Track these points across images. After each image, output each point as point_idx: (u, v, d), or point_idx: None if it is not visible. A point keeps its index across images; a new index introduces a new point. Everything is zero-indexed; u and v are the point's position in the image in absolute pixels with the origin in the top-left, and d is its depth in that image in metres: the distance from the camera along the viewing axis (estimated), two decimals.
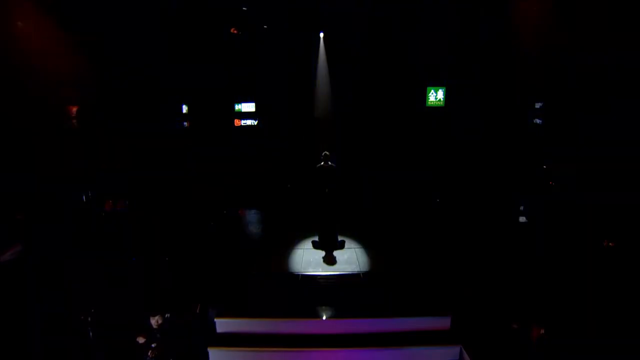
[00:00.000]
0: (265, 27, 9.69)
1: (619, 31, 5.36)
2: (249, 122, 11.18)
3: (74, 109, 7.04)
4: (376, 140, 10.83)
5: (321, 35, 9.77)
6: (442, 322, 4.33)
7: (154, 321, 3.49)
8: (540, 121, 7.05)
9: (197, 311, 4.12)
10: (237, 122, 11.20)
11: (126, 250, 5.68)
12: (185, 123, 11.31)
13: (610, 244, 4.69)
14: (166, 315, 3.69)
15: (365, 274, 5.38)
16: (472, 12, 8.18)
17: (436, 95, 9.75)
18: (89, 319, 3.60)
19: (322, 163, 6.88)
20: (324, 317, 4.44)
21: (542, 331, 3.46)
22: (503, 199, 7.30)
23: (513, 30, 7.23)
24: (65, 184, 6.49)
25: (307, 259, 5.89)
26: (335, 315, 4.47)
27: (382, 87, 10.51)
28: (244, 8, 9.00)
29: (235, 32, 9.98)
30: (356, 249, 6.32)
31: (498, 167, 7.54)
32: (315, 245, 6.48)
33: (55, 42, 6.31)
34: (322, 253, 6.13)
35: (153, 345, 3.57)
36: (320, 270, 5.52)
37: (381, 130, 10.61)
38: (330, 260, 5.87)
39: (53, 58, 6.30)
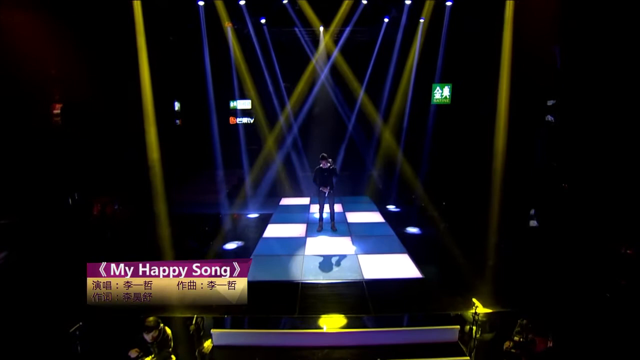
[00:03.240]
0: (262, 21, 9.68)
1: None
2: (244, 119, 11.16)
3: (58, 107, 6.98)
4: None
5: (321, 29, 9.74)
6: (449, 334, 4.35)
7: (149, 336, 3.47)
8: (552, 118, 7.06)
9: (194, 323, 4.10)
10: (232, 120, 11.18)
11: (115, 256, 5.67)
12: (178, 121, 11.30)
13: (628, 251, 4.66)
14: (160, 327, 3.67)
15: (368, 282, 5.37)
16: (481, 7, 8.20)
17: (442, 93, 9.76)
18: (77, 332, 3.57)
19: (321, 165, 6.93)
20: (325, 328, 4.44)
21: (550, 344, 3.44)
22: (513, 202, 7.32)
23: (523, 25, 7.26)
24: (50, 185, 6.44)
25: (307, 266, 5.88)
26: (337, 326, 4.47)
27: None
28: (240, 2, 8.96)
29: (230, 25, 9.97)
30: (358, 255, 6.32)
31: (509, 168, 7.54)
32: None
33: (44, 36, 6.26)
34: (323, 260, 6.13)
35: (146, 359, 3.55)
36: (321, 278, 5.52)
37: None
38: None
39: (41, 54, 6.26)
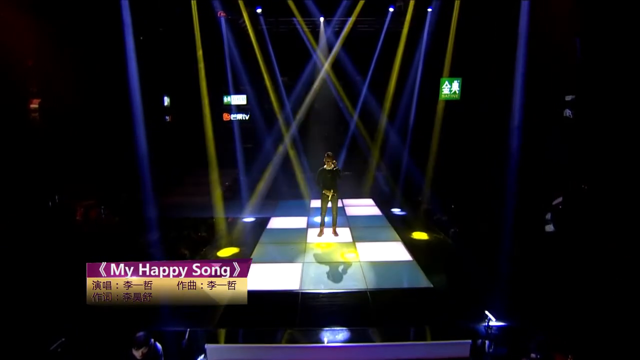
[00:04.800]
0: (258, 11, 9.66)
1: None
2: (239, 116, 11.14)
3: (36, 101, 6.92)
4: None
5: (321, 19, 9.73)
6: (460, 349, 4.32)
7: (138, 353, 3.45)
8: (570, 113, 7.00)
9: (186, 337, 4.09)
10: (225, 117, 11.16)
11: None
12: (168, 117, 11.29)
13: None
14: (151, 341, 3.65)
15: (373, 292, 5.36)
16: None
17: (451, 87, 9.73)
18: (59, 349, 3.54)
19: (325, 165, 6.91)
20: (327, 342, 4.42)
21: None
22: (527, 205, 7.30)
23: (540, 14, 7.23)
24: (26, 187, 6.39)
25: (307, 275, 5.86)
26: (340, 340, 4.46)
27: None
28: None
29: (224, 15, 9.97)
30: (362, 262, 6.31)
31: (523, 168, 7.51)
32: None
33: (19, 24, 6.20)
34: (324, 267, 6.12)
35: None
36: (322, 287, 5.50)
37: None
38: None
39: (15, 43, 6.20)
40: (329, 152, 6.97)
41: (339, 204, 8.60)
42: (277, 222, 8.67)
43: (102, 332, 4.08)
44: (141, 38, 8.71)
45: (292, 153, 11.05)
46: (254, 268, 6.13)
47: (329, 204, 7.31)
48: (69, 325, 3.98)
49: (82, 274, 3.39)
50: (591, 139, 6.32)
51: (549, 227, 6.78)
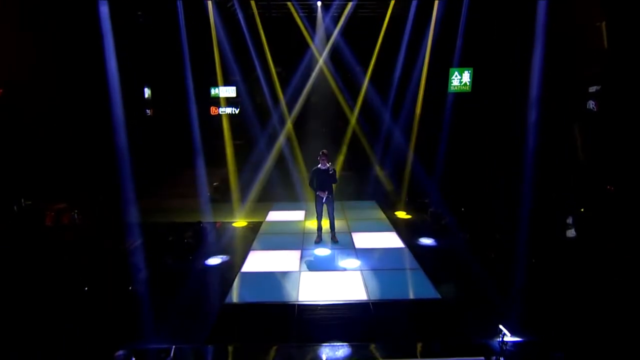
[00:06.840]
0: None
1: None
2: (228, 110, 11.12)
3: None
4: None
5: (319, 4, 9.74)
6: None
7: None
8: (594, 104, 6.96)
9: (171, 354, 4.07)
10: (213, 111, 11.14)
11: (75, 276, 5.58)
12: (148, 111, 11.25)
13: None
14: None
15: (375, 303, 5.36)
16: None
17: (461, 79, 9.74)
18: None
19: (320, 165, 6.95)
20: (326, 359, 4.42)
21: None
22: (546, 208, 7.31)
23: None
24: None
25: (304, 285, 5.86)
26: (340, 356, 4.45)
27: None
28: None
29: None
30: (363, 271, 6.31)
31: (542, 167, 7.51)
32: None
33: None
34: (322, 277, 6.12)
35: None
36: (321, 298, 5.50)
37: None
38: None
39: None
40: (324, 150, 7.03)
41: (339, 207, 8.62)
42: (270, 227, 8.66)
43: (81, 350, 4.05)
44: (139, 14, 8.58)
45: (287, 151, 11.04)
46: (247, 277, 6.15)
47: (325, 207, 7.32)
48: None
49: (52, 286, 3.34)
50: (618, 134, 6.30)
51: (571, 232, 6.79)
